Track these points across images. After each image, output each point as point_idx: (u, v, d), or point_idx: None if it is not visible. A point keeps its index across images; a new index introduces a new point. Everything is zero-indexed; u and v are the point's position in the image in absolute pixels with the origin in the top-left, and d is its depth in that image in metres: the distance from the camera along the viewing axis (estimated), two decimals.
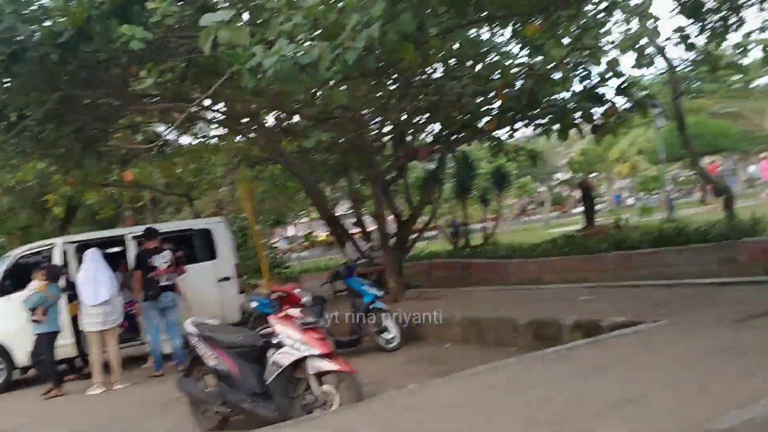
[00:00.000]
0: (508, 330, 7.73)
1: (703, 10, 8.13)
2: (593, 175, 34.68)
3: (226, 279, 10.76)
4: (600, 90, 9.45)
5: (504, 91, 8.88)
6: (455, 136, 11.51)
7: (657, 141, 20.93)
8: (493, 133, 11.21)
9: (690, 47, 9.13)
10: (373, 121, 12.02)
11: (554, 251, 12.79)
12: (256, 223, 18.92)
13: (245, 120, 12.48)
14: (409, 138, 12.12)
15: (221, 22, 5.07)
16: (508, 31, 9.08)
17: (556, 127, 10.56)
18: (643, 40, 10.99)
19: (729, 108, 39.69)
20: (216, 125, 14.03)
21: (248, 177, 17.62)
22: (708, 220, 12.91)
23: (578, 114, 10.08)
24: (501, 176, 17.64)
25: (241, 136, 13.67)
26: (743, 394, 3.53)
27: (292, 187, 18.14)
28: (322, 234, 36.24)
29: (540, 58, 9.45)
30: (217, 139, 15.65)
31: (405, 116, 10.94)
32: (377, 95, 10.16)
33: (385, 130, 12.95)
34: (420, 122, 11.83)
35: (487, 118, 10.65)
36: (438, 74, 10.19)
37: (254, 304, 9.08)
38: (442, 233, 18.24)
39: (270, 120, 13.44)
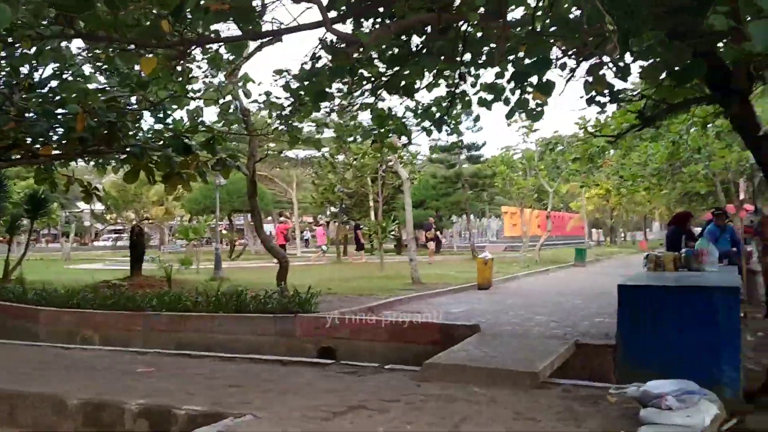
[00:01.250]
0: (51, 411, 6.25)
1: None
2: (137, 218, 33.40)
3: None
4: (189, 140, 8.82)
5: (83, 118, 7.52)
6: None
7: (215, 196, 21.11)
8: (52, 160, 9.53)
9: (281, 118, 9.23)
10: None
11: (97, 303, 11.37)
12: None
13: None
14: None
15: None
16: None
17: (127, 167, 9.64)
18: (228, 98, 10.85)
19: (261, 171, 43.41)
20: None
21: None
22: (260, 283, 13.22)
23: (156, 158, 9.35)
24: (37, 202, 15.33)
25: None
26: None
27: None
28: None
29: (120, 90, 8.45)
30: None
31: None
32: None
33: None
34: None
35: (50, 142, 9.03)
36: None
37: None
38: None
39: None
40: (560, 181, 31.82)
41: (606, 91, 5.52)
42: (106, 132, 8.16)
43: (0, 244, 18.19)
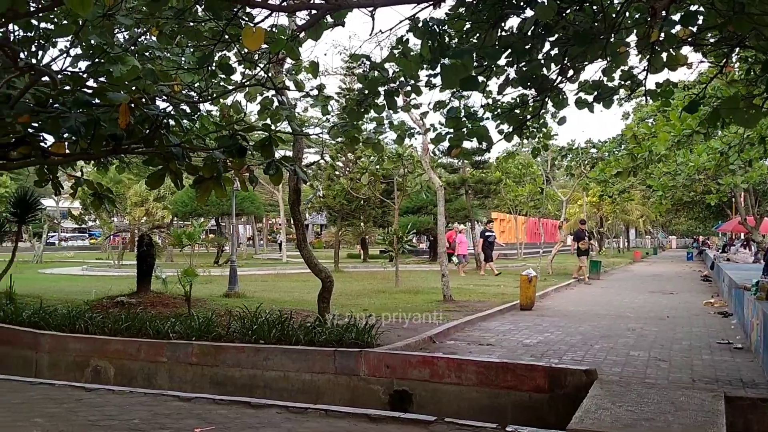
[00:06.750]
0: None
1: None
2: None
3: None
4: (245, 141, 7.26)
5: (127, 111, 5.94)
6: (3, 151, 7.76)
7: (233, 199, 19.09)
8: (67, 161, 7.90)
9: (348, 114, 7.78)
10: None
11: (109, 326, 9.72)
12: None
13: None
14: None
15: None
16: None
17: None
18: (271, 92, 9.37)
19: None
20: None
21: None
22: (288, 300, 11.64)
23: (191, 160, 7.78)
24: (27, 205, 13.53)
25: None
26: None
27: None
28: None
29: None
30: None
31: None
32: None
33: None
34: None
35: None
36: None
37: None
38: None
39: None
40: (575, 189, 30.76)
41: None
42: (149, 129, 6.54)
43: None
